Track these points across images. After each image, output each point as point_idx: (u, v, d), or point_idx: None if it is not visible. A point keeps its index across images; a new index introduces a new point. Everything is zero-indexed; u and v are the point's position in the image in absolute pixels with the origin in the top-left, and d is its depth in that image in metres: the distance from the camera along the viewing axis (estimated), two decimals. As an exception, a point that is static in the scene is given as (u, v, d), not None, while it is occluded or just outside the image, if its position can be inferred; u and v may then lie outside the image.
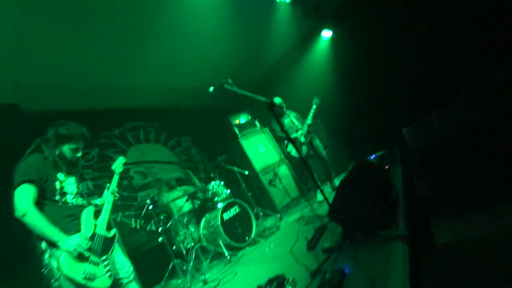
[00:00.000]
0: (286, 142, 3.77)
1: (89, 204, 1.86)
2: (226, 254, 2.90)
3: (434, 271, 1.38)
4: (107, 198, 1.87)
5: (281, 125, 1.99)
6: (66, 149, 1.80)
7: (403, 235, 1.49)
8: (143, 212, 3.17)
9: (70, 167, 1.84)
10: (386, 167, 2.90)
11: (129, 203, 4.14)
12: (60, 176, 1.73)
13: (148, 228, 4.08)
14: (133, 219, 4.04)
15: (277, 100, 3.66)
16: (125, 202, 4.12)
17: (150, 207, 3.07)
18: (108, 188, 1.93)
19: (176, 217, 3.44)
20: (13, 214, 1.54)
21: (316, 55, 5.03)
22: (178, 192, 3.92)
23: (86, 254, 1.59)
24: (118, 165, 2.14)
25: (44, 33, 2.68)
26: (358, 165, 2.06)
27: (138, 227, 4.01)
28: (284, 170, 4.63)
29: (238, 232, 3.21)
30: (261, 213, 3.86)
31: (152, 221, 4.01)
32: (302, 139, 3.54)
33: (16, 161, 2.63)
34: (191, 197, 3.68)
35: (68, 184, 1.76)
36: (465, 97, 3.16)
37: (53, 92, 3.43)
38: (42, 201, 1.62)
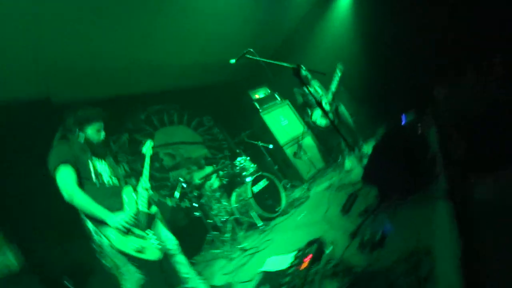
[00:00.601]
0: (309, 111, 3.69)
1: (126, 184, 1.90)
2: (260, 224, 3.04)
3: (480, 228, 1.35)
4: (141, 193, 1.87)
5: (309, 91, 1.92)
6: (90, 131, 1.81)
7: (445, 193, 1.46)
8: (178, 191, 3.34)
9: (98, 150, 1.87)
10: (420, 130, 2.77)
11: (163, 183, 4.38)
12: (91, 160, 1.76)
13: (183, 205, 4.34)
14: (168, 198, 4.30)
15: (304, 67, 3.53)
16: (159, 182, 4.36)
17: (184, 185, 3.24)
18: (141, 185, 1.92)
19: (208, 193, 3.61)
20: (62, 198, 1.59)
21: (337, 17, 4.68)
22: (207, 169, 4.07)
23: (134, 229, 1.66)
24: (148, 147, 2.21)
25: (61, 21, 2.69)
26: (391, 129, 1.99)
27: (174, 204, 4.28)
28: (308, 142, 4.59)
29: (268, 204, 3.32)
30: (289, 185, 3.93)
31: (186, 198, 4.24)
32: (327, 107, 3.44)
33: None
34: (220, 173, 3.81)
35: (101, 165, 1.81)
36: (501, 61, 2.84)
37: (79, 80, 3.54)
38: (82, 182, 1.66)
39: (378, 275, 1.12)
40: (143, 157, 2.15)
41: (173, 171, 4.55)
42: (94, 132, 1.83)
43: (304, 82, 1.89)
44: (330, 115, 3.49)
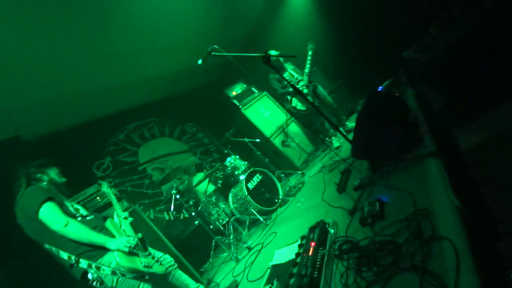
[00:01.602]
0: (288, 98, 3.66)
1: (104, 218, 1.92)
2: (261, 219, 3.01)
3: (473, 177, 1.37)
4: (123, 222, 1.88)
5: (283, 78, 1.88)
6: (52, 174, 1.85)
7: (433, 150, 1.46)
8: (172, 204, 3.26)
9: (63, 191, 1.89)
10: (397, 94, 2.81)
11: (156, 199, 4.27)
12: (64, 198, 1.80)
13: (181, 217, 4.24)
14: (165, 213, 4.19)
15: (273, 52, 3.45)
16: (152, 199, 4.24)
17: (177, 197, 3.15)
18: (118, 216, 1.94)
19: (204, 199, 3.53)
20: (51, 227, 1.53)
21: (296, -2, 4.66)
22: (198, 176, 3.98)
23: (135, 250, 1.67)
24: (105, 187, 2.21)
25: (20, 56, 2.55)
26: (369, 97, 1.99)
27: (171, 218, 4.17)
28: (293, 128, 4.57)
29: (266, 197, 3.29)
30: (283, 175, 3.91)
31: (183, 209, 4.15)
32: (305, 90, 3.42)
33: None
34: (212, 177, 3.74)
35: (75, 204, 1.83)
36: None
37: (46, 111, 3.37)
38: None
39: (385, 245, 1.10)
40: (107, 196, 2.18)
41: (165, 184, 4.43)
42: (55, 175, 1.87)
43: (277, 69, 1.84)
44: (309, 97, 3.47)
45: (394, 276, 0.94)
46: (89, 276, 1.52)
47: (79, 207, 1.84)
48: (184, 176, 4.38)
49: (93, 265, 1.53)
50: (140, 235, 1.87)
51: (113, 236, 1.72)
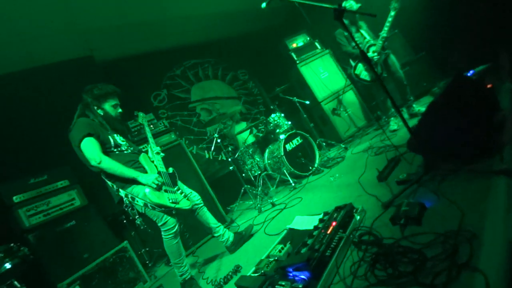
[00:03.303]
0: (353, 63, 3.26)
1: (141, 152, 2.04)
2: (291, 181, 3.07)
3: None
4: (155, 157, 1.99)
5: (354, 39, 1.64)
6: (108, 107, 1.94)
7: (510, 169, 1.21)
8: (213, 145, 3.48)
9: (117, 125, 1.99)
10: (489, 85, 2.28)
11: (200, 137, 4.60)
12: (110, 133, 1.91)
13: (219, 158, 4.57)
14: (206, 151, 4.55)
15: (349, 3, 2.97)
16: (197, 136, 4.58)
17: (219, 140, 3.34)
18: (152, 150, 2.04)
19: (242, 148, 3.68)
20: (88, 164, 1.75)
21: None
22: (242, 125, 4.09)
23: (164, 186, 1.84)
24: (142, 118, 2.30)
25: None
26: (454, 81, 1.64)
27: (211, 157, 4.53)
28: (350, 97, 4.19)
29: (301, 162, 3.28)
30: (324, 144, 3.78)
31: (222, 152, 4.42)
32: (375, 58, 2.98)
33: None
34: (254, 129, 3.81)
35: (118, 141, 1.94)
36: None
37: (115, 38, 3.61)
38: (105, 153, 1.79)
39: (408, 253, 1.04)
40: (142, 127, 2.23)
41: (210, 126, 4.69)
42: (111, 107, 1.95)
43: (348, 28, 1.59)
44: (378, 67, 3.04)
45: (408, 287, 0.90)
46: (125, 201, 1.80)
47: (123, 141, 1.97)
48: (229, 122, 4.55)
49: (129, 196, 1.77)
50: (171, 169, 2.03)
51: (145, 171, 1.87)
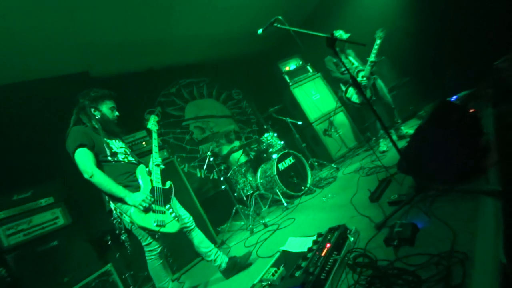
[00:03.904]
0: (343, 87, 3.40)
1: (139, 162, 1.96)
2: (284, 201, 3.05)
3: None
4: (154, 170, 1.91)
5: (344, 64, 1.72)
6: (105, 109, 1.89)
7: (495, 190, 1.26)
8: (206, 163, 3.46)
9: (114, 128, 1.91)
10: (472, 110, 2.41)
11: (192, 155, 4.57)
12: (106, 139, 1.82)
13: (211, 177, 4.52)
14: (197, 169, 4.50)
15: (338, 32, 3.16)
16: (189, 154, 4.55)
17: (211, 158, 3.32)
18: (152, 161, 1.96)
19: (234, 167, 3.67)
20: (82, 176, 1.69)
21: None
22: (235, 144, 4.10)
23: (152, 206, 1.73)
24: (152, 123, 2.21)
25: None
26: (440, 105, 1.73)
27: (202, 176, 4.47)
28: (340, 118, 4.32)
29: (293, 182, 3.28)
30: (316, 164, 3.82)
31: (214, 171, 4.38)
32: (364, 82, 3.12)
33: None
34: (247, 148, 3.82)
35: (116, 147, 1.86)
36: None
37: (114, 54, 3.67)
38: (99, 163, 1.74)
39: (403, 275, 1.04)
40: (150, 133, 2.16)
41: (203, 144, 4.69)
42: (108, 110, 1.90)
43: (339, 54, 1.69)
44: (368, 91, 3.18)
45: (404, 311, 0.89)
46: (114, 214, 1.73)
47: (120, 148, 1.88)
48: (222, 140, 4.55)
49: (118, 210, 1.71)
50: (168, 184, 1.94)
51: (138, 186, 1.78)
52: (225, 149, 4.03)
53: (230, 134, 4.21)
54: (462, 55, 3.36)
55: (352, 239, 1.46)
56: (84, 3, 2.69)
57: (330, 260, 1.33)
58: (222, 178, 3.28)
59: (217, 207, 3.94)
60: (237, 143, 4.07)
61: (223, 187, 3.26)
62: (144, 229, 1.66)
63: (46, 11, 2.56)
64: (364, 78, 3.12)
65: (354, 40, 1.74)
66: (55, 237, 2.33)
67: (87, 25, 2.96)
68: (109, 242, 2.60)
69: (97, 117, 1.85)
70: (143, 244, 1.77)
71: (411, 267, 1.06)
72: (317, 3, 4.97)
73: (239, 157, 3.84)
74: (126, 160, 1.86)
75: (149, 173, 1.91)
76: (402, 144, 2.71)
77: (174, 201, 1.98)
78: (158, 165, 1.96)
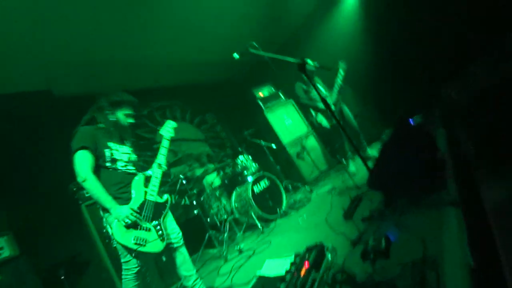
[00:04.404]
0: (313, 113, 3.60)
1: (141, 171, 1.89)
2: (259, 225, 2.96)
3: (494, 238, 1.26)
4: (155, 170, 1.88)
5: (315, 87, 1.84)
6: (121, 115, 1.86)
7: (454, 200, 1.37)
8: (177, 188, 3.29)
9: (124, 134, 1.90)
10: (427, 131, 2.68)
11: (163, 179, 4.33)
12: (111, 144, 1.77)
13: (182, 203, 4.28)
14: (167, 195, 4.25)
15: (310, 61, 3.41)
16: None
17: (184, 182, 3.18)
18: (155, 161, 1.94)
19: (208, 191, 3.55)
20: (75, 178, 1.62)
21: (343, 14, 4.59)
22: (209, 167, 4.01)
23: (137, 222, 1.62)
24: (168, 129, 2.11)
25: (61, 17, 2.67)
26: (400, 127, 1.90)
27: (173, 201, 4.23)
28: (312, 142, 4.50)
29: (269, 205, 3.24)
30: (290, 186, 3.85)
31: (186, 195, 4.18)
32: (332, 108, 3.34)
33: (52, 143, 2.79)
34: (221, 172, 3.75)
35: (119, 152, 1.79)
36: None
37: (80, 73, 3.52)
38: (97, 167, 1.69)
39: (383, 287, 1.03)
40: (160, 138, 2.05)
41: (174, 167, 4.50)
42: (124, 116, 1.88)
43: (310, 78, 1.81)
44: (336, 115, 3.39)
45: (386, 322, 0.87)
46: (103, 220, 1.67)
47: (125, 153, 1.82)
48: (195, 164, 4.43)
49: (104, 219, 1.66)
50: (165, 197, 1.86)
51: (129, 198, 1.71)
52: (198, 172, 3.91)
53: (202, 157, 4.13)
54: (414, 82, 3.82)
55: (329, 256, 1.45)
56: (49, 16, 2.58)
57: (309, 280, 1.29)
58: (194, 202, 3.12)
59: (188, 235, 3.68)
60: (210, 166, 3.99)
61: (195, 211, 3.10)
62: (122, 245, 1.56)
63: (9, 21, 2.42)
64: (332, 104, 3.35)
65: (322, 65, 1.88)
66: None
67: (50, 40, 2.82)
68: (62, 277, 2.25)
69: (111, 121, 1.82)
70: (122, 261, 1.64)
71: (389, 279, 1.07)
72: (287, 36, 5.40)
73: (213, 180, 3.74)
74: (124, 168, 1.78)
75: (147, 180, 1.83)
76: (369, 164, 2.87)
77: (168, 214, 1.88)
78: (160, 166, 1.90)
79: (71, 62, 3.26)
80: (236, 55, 2.11)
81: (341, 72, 3.38)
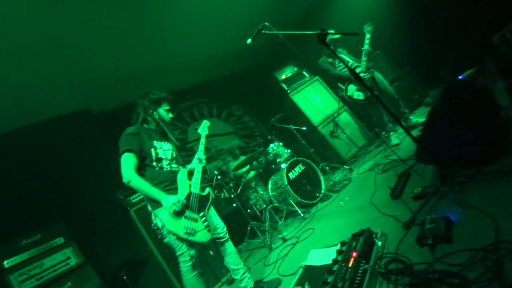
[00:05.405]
0: (342, 86, 3.33)
1: (183, 166, 1.98)
2: (299, 211, 2.90)
3: None
4: (196, 165, 1.95)
5: (340, 58, 1.65)
6: (162, 111, 1.98)
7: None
8: (214, 183, 3.36)
9: (166, 130, 2.00)
10: (483, 85, 2.29)
11: (202, 176, 4.48)
12: (156, 143, 1.87)
13: (222, 196, 4.40)
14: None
15: (331, 30, 3.12)
16: (197, 176, 4.47)
17: (219, 177, 3.23)
18: (196, 157, 2.01)
19: (244, 182, 3.56)
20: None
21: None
22: (241, 159, 4.02)
23: (185, 212, 1.70)
24: (203, 128, 2.26)
25: (86, 37, 2.81)
26: (449, 87, 1.63)
27: (214, 196, 4.36)
28: (345, 118, 4.21)
29: (307, 189, 3.14)
30: (328, 168, 3.67)
31: (224, 189, 4.27)
32: (364, 75, 3.04)
33: (97, 156, 2.98)
34: (254, 162, 3.72)
35: (163, 150, 1.89)
36: None
37: (113, 88, 3.72)
38: (143, 167, 1.79)
39: (447, 277, 0.90)
40: (198, 137, 2.19)
41: (209, 163, 4.61)
42: (165, 112, 2.01)
43: (333, 49, 1.62)
44: (368, 84, 3.09)
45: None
46: (153, 219, 1.75)
47: (168, 150, 1.93)
48: (228, 158, 4.48)
49: (154, 215, 1.73)
50: (207, 190, 1.92)
51: (175, 192, 1.77)
52: (232, 165, 3.94)
53: (234, 149, 4.14)
54: (457, 34, 3.26)
55: (379, 243, 1.32)
56: (71, 42, 2.72)
57: (359, 271, 1.19)
58: (233, 196, 3.16)
59: (232, 226, 3.79)
60: (243, 158, 3.98)
61: (234, 204, 3.14)
62: (173, 234, 1.64)
63: (36, 52, 2.60)
64: (362, 73, 3.05)
65: (346, 32, 1.68)
66: (68, 278, 2.24)
67: (79, 63, 3.00)
68: (124, 277, 2.48)
69: (155, 118, 1.95)
70: (177, 254, 1.72)
71: (454, 268, 0.92)
72: (303, 9, 5.02)
73: (247, 171, 3.74)
74: (169, 167, 1.89)
75: (191, 174, 1.91)
76: (414, 134, 2.58)
77: (211, 209, 1.94)
78: (200, 161, 1.97)
79: (103, 79, 3.47)
80: (249, 40, 1.99)
81: (368, 36, 3.04)
